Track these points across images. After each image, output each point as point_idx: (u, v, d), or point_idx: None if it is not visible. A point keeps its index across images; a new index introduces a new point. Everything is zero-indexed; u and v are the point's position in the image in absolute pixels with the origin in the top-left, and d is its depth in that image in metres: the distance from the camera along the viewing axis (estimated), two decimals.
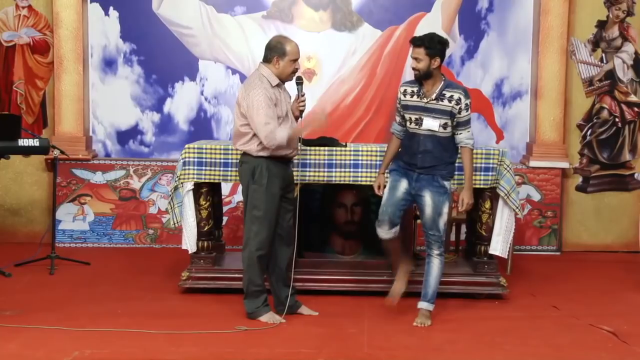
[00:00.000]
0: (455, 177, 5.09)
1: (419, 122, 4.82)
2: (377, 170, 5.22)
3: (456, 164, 4.97)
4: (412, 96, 4.86)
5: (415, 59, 4.74)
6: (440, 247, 4.90)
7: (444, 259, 4.94)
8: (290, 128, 4.85)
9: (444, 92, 4.78)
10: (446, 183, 4.87)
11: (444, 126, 4.79)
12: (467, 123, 4.82)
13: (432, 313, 4.94)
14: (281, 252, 4.99)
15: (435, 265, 4.90)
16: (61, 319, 4.82)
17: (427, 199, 4.83)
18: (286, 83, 4.96)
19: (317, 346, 4.44)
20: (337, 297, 5.43)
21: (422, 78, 4.78)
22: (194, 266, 5.60)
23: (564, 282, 6.18)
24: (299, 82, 4.97)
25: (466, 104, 4.77)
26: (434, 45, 4.72)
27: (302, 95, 4.95)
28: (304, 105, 4.97)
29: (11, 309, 5.04)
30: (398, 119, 5.01)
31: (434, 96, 4.78)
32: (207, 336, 4.57)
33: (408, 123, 4.89)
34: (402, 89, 4.93)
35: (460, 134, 4.83)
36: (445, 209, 4.87)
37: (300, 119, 5.01)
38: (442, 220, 4.86)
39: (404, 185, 4.90)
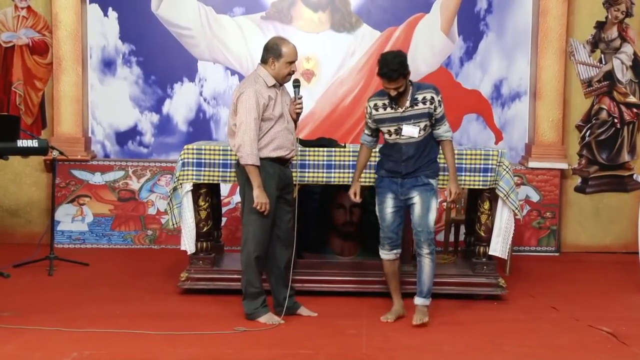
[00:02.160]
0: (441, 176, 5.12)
1: (398, 132, 4.83)
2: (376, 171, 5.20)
3: (440, 164, 5.00)
4: (385, 109, 4.85)
5: (395, 88, 4.70)
6: (431, 245, 4.88)
7: (434, 257, 4.93)
8: (286, 130, 4.86)
9: (415, 96, 4.80)
10: (432, 180, 4.90)
11: (424, 128, 4.82)
12: (443, 118, 4.87)
13: (431, 313, 4.93)
14: (280, 253, 4.99)
15: (426, 263, 4.90)
16: (60, 320, 4.81)
17: (416, 198, 4.85)
18: (286, 85, 4.97)
19: (315, 347, 4.44)
20: (335, 298, 5.43)
21: (401, 95, 4.77)
22: (193, 267, 5.59)
23: (563, 283, 6.18)
24: (296, 85, 4.97)
25: (439, 100, 4.82)
26: (406, 67, 4.70)
27: (299, 98, 4.95)
28: (301, 108, 4.97)
29: (10, 310, 5.04)
30: (367, 132, 5.01)
31: (408, 103, 4.79)
32: (205, 337, 4.57)
33: (387, 135, 4.89)
34: (371, 104, 4.91)
35: (438, 128, 4.87)
36: (434, 204, 4.87)
37: (297, 121, 5.01)
38: (432, 216, 4.87)
39: (390, 202, 4.92)
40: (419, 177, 4.85)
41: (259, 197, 4.75)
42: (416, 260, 5.00)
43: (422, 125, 4.80)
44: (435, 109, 4.80)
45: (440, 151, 4.98)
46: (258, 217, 4.81)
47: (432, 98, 4.80)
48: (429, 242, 4.87)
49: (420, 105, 4.79)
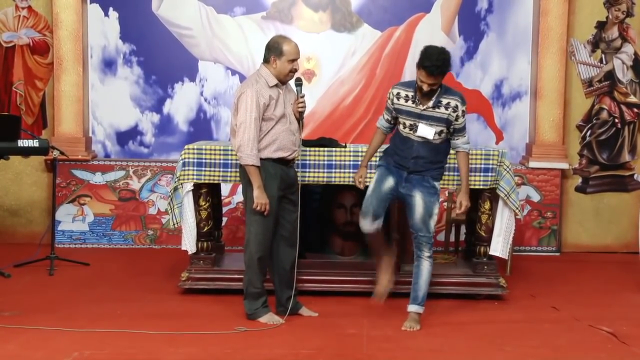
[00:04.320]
0: (455, 178, 5.08)
1: (413, 128, 4.74)
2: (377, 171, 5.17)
3: (447, 165, 4.95)
4: (406, 101, 4.75)
5: (431, 84, 4.59)
6: (431, 248, 4.84)
7: (433, 261, 4.89)
8: (288, 131, 4.85)
9: (440, 99, 4.69)
10: (436, 183, 4.84)
11: (439, 133, 4.73)
12: (463, 129, 4.78)
13: (431, 313, 4.92)
14: (285, 253, 4.99)
15: (425, 267, 4.84)
16: (60, 320, 4.82)
17: (418, 199, 4.79)
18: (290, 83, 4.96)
19: (316, 347, 4.44)
20: (336, 298, 5.43)
21: (428, 93, 4.67)
22: (194, 267, 5.60)
23: (564, 283, 6.18)
24: (298, 84, 4.95)
25: (463, 111, 4.71)
26: (448, 67, 4.59)
27: (302, 97, 4.94)
28: (303, 107, 4.95)
29: (10, 309, 5.04)
30: (387, 116, 4.92)
31: (431, 104, 4.68)
32: (206, 337, 4.57)
33: (402, 127, 4.81)
34: (394, 92, 4.81)
35: (457, 139, 4.80)
36: (436, 210, 4.83)
37: (301, 120, 5.00)
38: (433, 221, 4.81)
39: (390, 181, 4.84)
40: (425, 177, 4.79)
41: (259, 198, 4.75)
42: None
43: (438, 129, 4.71)
44: (457, 118, 4.70)
45: (452, 156, 4.93)
46: (260, 218, 4.81)
47: (457, 106, 4.68)
48: (429, 245, 4.83)
49: (442, 110, 4.68)
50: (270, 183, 4.80)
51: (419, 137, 4.75)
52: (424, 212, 4.79)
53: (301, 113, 4.96)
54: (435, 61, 4.52)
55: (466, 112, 4.75)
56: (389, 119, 4.92)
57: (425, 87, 4.62)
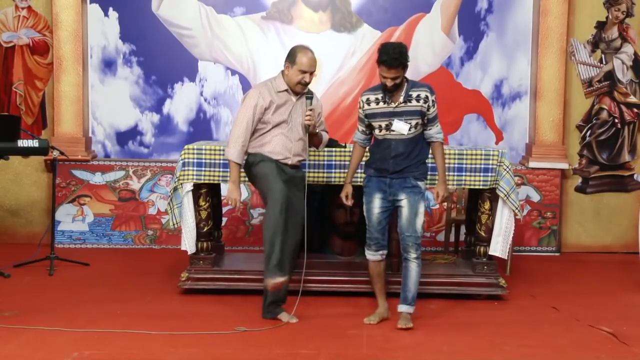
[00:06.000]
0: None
1: (389, 127, 4.79)
2: None
3: (429, 165, 4.94)
4: (377, 103, 4.81)
5: (393, 77, 4.67)
6: (418, 249, 4.83)
7: (421, 262, 4.87)
8: (283, 136, 4.91)
9: (410, 92, 4.77)
10: (420, 183, 4.84)
11: (415, 126, 4.78)
12: (435, 118, 4.83)
13: (431, 313, 4.92)
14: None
15: (412, 269, 4.84)
16: (60, 320, 4.82)
17: (404, 201, 4.80)
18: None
19: (316, 347, 4.44)
20: (336, 298, 5.43)
21: (396, 88, 4.74)
22: (194, 267, 5.60)
23: (564, 283, 6.18)
24: (308, 97, 4.97)
25: (433, 100, 4.79)
26: (406, 58, 4.69)
27: (309, 110, 4.94)
28: (310, 120, 4.94)
29: (10, 310, 5.04)
30: (361, 128, 4.96)
31: (401, 99, 4.76)
32: (206, 337, 4.57)
33: (377, 130, 4.85)
34: (364, 98, 4.87)
35: (430, 129, 4.83)
36: (422, 209, 4.82)
37: (307, 133, 5.01)
38: (419, 221, 4.81)
39: (377, 202, 4.85)
40: (408, 178, 4.80)
41: (230, 192, 4.92)
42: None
43: (413, 122, 4.76)
44: (428, 109, 4.77)
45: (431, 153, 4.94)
46: (268, 181, 4.90)
47: (427, 97, 4.76)
48: (416, 246, 4.82)
49: (414, 103, 4.76)
50: (267, 164, 4.92)
51: (395, 134, 4.78)
52: (409, 211, 4.79)
53: (307, 126, 4.96)
54: (392, 54, 4.63)
55: (436, 102, 4.82)
56: (364, 129, 4.95)
57: (388, 83, 4.70)
